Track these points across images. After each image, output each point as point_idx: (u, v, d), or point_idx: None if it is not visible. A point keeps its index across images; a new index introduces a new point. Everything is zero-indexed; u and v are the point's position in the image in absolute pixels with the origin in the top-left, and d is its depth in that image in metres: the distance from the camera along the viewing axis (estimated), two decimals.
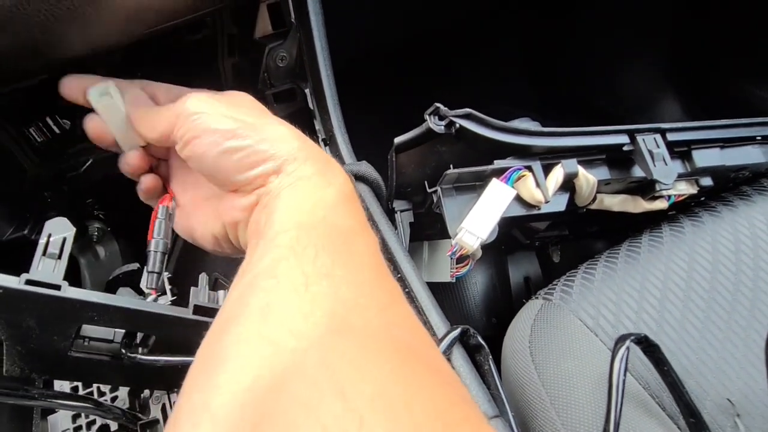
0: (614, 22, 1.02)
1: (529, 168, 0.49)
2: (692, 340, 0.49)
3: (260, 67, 0.60)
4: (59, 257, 0.36)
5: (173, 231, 0.40)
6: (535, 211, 0.49)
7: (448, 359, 0.36)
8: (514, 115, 0.58)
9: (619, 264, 0.54)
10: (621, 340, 0.43)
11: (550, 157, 0.49)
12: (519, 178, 0.49)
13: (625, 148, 0.50)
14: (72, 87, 0.40)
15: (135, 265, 0.68)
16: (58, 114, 0.60)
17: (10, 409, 0.52)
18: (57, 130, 0.61)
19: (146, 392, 0.53)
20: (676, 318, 0.50)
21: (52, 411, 0.51)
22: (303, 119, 0.60)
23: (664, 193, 0.53)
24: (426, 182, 0.51)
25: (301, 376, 0.21)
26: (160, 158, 0.42)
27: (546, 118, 0.63)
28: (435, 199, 0.49)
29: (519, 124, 0.49)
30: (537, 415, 0.46)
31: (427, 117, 0.47)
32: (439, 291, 0.47)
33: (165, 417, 0.51)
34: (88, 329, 0.40)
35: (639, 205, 0.55)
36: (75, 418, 0.51)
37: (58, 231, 0.37)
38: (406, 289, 0.42)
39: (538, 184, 0.48)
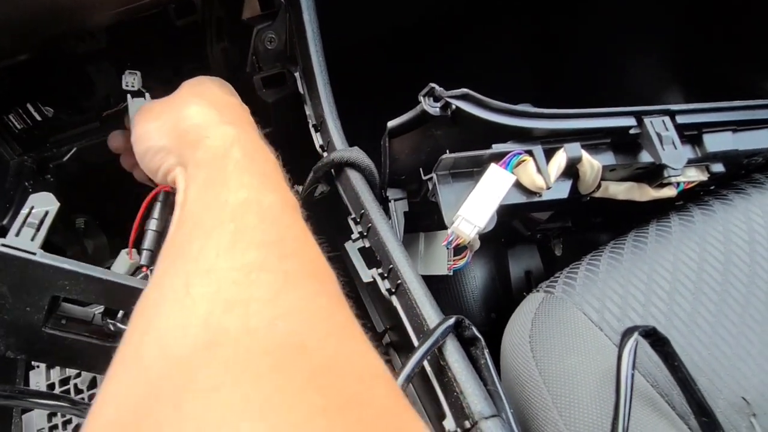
0: (618, 15, 1.01)
1: (530, 152, 0.47)
2: (704, 335, 0.47)
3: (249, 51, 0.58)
4: (38, 229, 0.37)
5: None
6: (536, 199, 0.47)
7: (441, 351, 0.33)
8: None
9: (626, 255, 0.52)
10: (628, 332, 0.41)
11: (552, 141, 0.48)
12: (519, 164, 0.47)
13: (631, 131, 0.48)
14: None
15: None
16: (40, 101, 0.59)
17: None
18: (38, 117, 0.59)
19: None
20: (687, 311, 0.48)
21: (29, 409, 0.49)
22: (293, 105, 0.58)
23: (673, 180, 0.51)
24: (421, 169, 0.49)
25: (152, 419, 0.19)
26: None
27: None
28: (430, 187, 0.48)
29: (519, 106, 0.47)
30: (538, 414, 0.44)
31: (421, 98, 0.45)
32: (436, 286, 0.45)
33: None
34: (66, 308, 0.40)
35: (646, 193, 0.53)
36: (51, 416, 0.49)
37: (42, 205, 0.38)
38: (398, 281, 0.40)
39: (539, 170, 0.47)
